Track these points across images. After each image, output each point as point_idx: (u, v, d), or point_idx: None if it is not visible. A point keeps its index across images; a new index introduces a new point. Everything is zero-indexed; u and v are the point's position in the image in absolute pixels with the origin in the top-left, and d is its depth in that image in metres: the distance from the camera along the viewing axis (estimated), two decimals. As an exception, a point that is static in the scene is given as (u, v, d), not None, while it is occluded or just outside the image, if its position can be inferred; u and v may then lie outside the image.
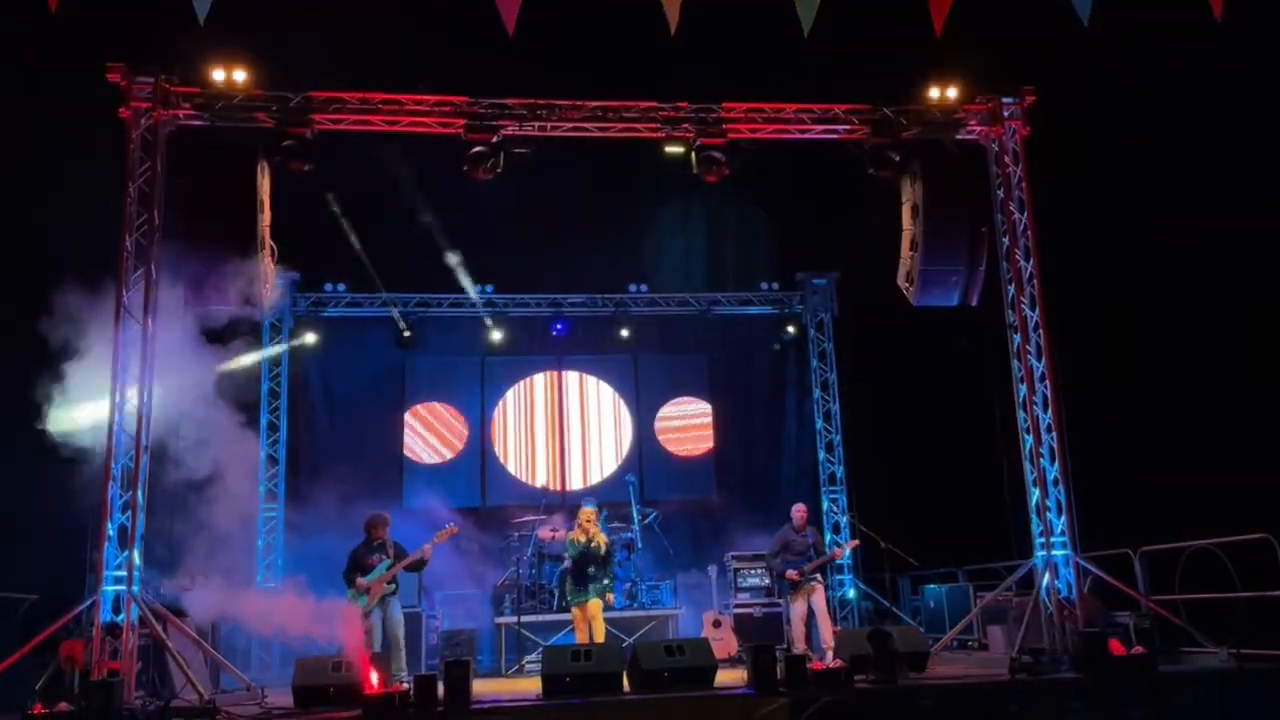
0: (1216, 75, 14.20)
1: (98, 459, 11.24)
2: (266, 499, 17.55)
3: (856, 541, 15.32)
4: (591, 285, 19.35)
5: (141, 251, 11.40)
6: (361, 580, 11.84)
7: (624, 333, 19.22)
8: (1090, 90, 14.96)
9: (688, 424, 19.94)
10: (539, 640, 14.21)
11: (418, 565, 12.26)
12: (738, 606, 15.22)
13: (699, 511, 18.95)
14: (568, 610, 13.31)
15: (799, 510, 13.49)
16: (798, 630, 13.01)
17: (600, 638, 12.22)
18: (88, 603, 10.59)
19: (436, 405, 19.29)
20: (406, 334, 18.56)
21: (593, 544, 12.45)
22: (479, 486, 19.06)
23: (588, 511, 12.83)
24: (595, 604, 12.39)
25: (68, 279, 11.31)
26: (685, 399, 19.98)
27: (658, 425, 19.81)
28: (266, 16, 12.30)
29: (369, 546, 12.14)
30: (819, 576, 13.11)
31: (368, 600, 11.80)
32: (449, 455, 19.11)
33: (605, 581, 12.57)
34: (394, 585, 11.99)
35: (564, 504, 18.32)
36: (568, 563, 12.53)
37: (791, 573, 12.95)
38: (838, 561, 17.41)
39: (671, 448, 19.79)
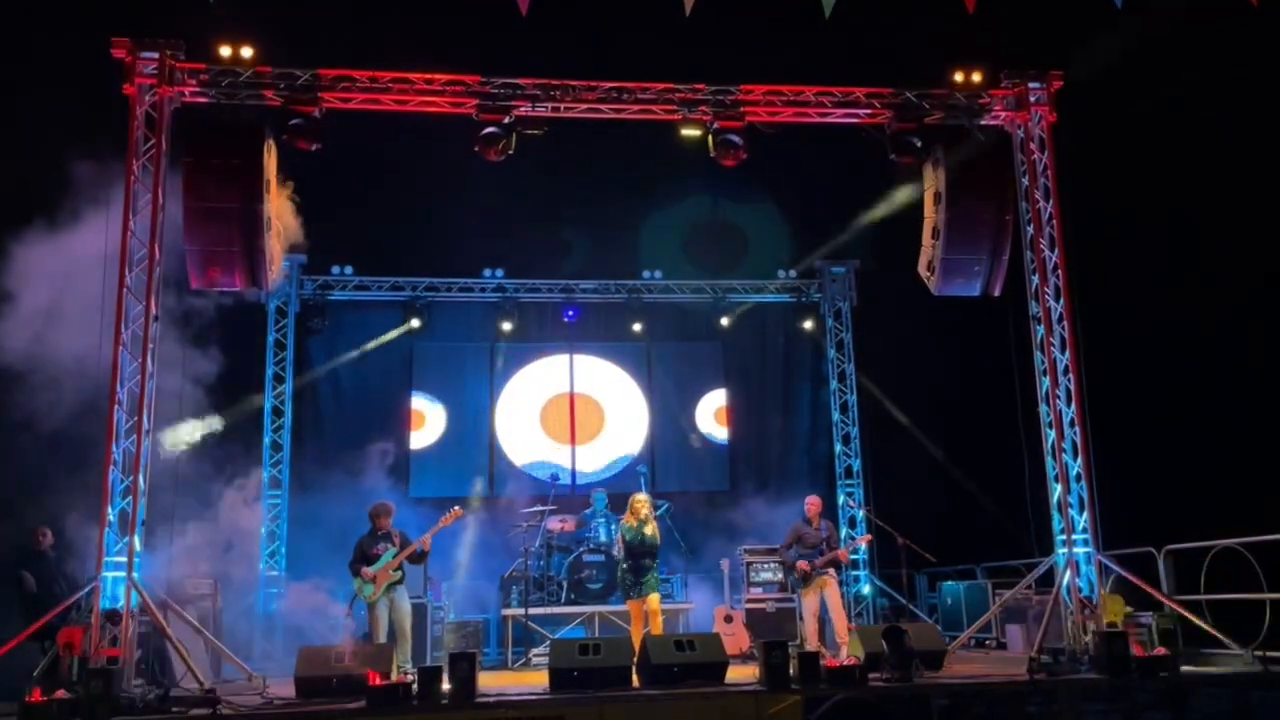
0: (1253, 60, 14.13)
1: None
2: (270, 485, 17.60)
3: (869, 537, 15.30)
4: (604, 271, 19.33)
5: (144, 231, 11.40)
6: (367, 570, 11.87)
7: (637, 320, 19.20)
8: (1121, 75, 14.89)
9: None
10: (547, 633, 14.22)
11: (418, 557, 12.25)
12: (750, 601, 15.21)
13: (712, 504, 18.94)
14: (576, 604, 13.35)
15: (812, 502, 13.46)
16: (811, 626, 12.98)
17: (659, 632, 12.08)
18: (87, 588, 10.63)
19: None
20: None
21: (648, 531, 12.37)
22: (487, 475, 19.10)
23: (643, 498, 12.73)
24: (655, 598, 12.27)
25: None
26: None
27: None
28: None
29: (374, 536, 12.16)
30: (832, 570, 13.08)
31: (374, 590, 11.84)
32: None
33: (654, 575, 12.44)
34: (400, 574, 12.01)
35: (573, 494, 18.36)
36: (621, 551, 12.43)
37: (802, 563, 12.94)
38: (852, 557, 17.41)
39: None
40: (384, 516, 12.25)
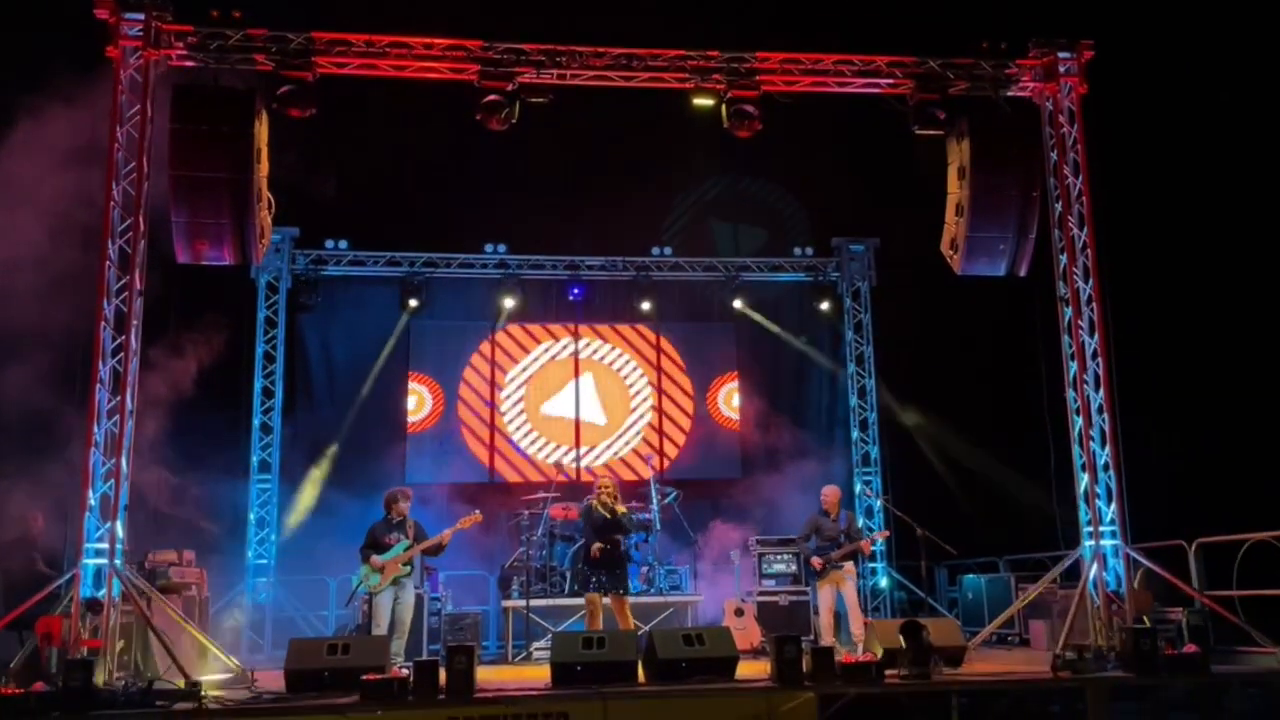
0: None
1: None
2: (260, 470, 17.57)
3: (887, 532, 15.26)
4: (611, 247, 19.24)
5: (129, 201, 11.34)
6: (376, 559, 11.94)
7: (646, 299, 19.13)
8: (1154, 45, 14.79)
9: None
10: (549, 626, 14.22)
11: (435, 550, 12.37)
12: (762, 594, 15.16)
13: (722, 492, 18.90)
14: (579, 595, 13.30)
15: (829, 492, 13.43)
16: (825, 621, 12.97)
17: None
18: (66, 576, 10.60)
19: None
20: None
21: (614, 518, 12.37)
22: (487, 461, 19.06)
23: (607, 481, 12.72)
24: (622, 600, 12.35)
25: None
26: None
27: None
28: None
29: (388, 524, 12.24)
30: (850, 563, 13.05)
31: (380, 580, 11.90)
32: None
33: (620, 571, 12.49)
34: (409, 566, 12.10)
35: (578, 480, 18.32)
36: (584, 538, 12.45)
37: (816, 560, 12.92)
38: (872, 549, 17.40)
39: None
40: (401, 502, 12.32)
